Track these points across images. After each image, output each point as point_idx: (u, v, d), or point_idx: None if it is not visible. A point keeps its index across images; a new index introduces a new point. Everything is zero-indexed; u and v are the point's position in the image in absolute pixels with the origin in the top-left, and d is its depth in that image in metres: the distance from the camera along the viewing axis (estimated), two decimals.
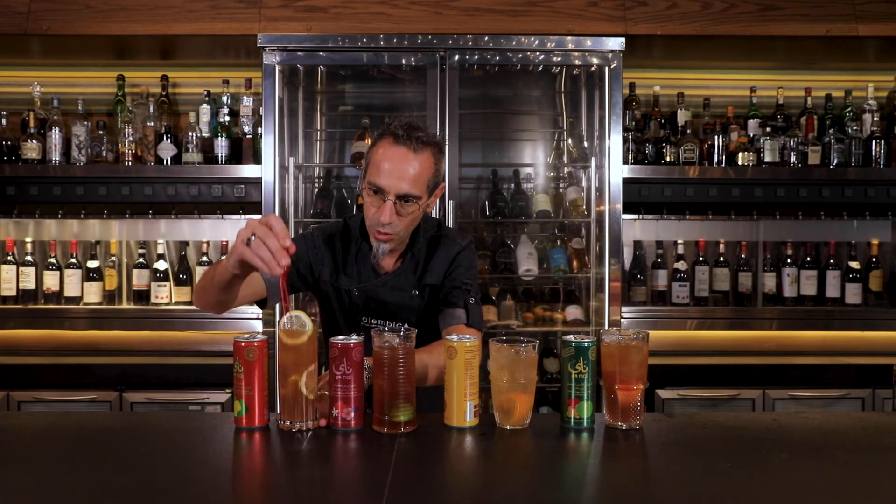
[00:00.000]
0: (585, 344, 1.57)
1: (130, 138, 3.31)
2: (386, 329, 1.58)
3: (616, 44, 3.04)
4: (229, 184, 3.37)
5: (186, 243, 3.53)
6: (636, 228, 3.59)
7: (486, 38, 3.02)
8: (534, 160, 3.58)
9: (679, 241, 3.54)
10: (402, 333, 1.56)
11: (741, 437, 1.54)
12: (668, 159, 3.37)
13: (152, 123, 3.36)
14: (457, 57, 3.00)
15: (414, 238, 1.89)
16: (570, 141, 3.49)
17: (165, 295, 3.43)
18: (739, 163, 3.37)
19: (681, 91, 3.55)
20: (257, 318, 3.33)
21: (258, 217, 1.52)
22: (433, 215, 2.97)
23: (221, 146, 3.35)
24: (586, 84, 3.39)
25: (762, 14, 3.23)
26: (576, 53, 3.05)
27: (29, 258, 3.45)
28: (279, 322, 1.56)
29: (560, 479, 1.31)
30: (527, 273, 3.19)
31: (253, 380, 1.55)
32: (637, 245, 3.57)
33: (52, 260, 3.46)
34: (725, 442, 1.51)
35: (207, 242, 3.47)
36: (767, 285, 3.53)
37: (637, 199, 3.38)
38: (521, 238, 3.32)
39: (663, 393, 3.09)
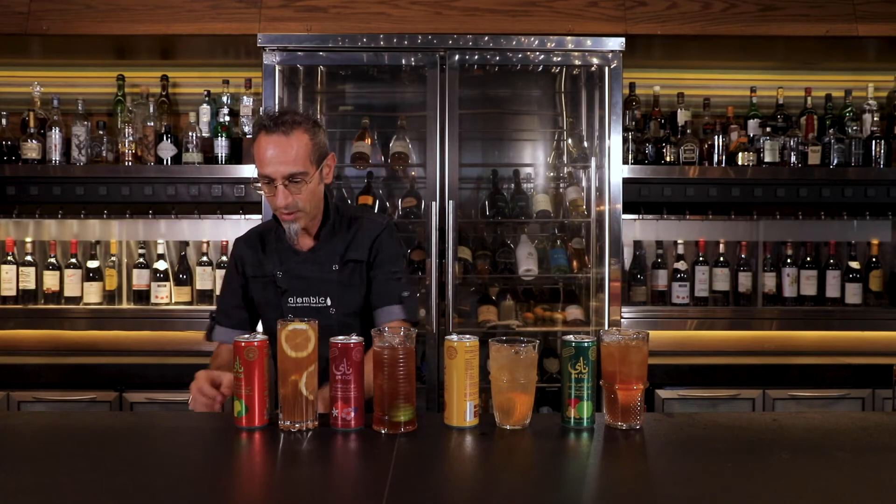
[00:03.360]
0: (585, 344, 1.57)
1: (130, 138, 3.31)
2: (352, 336, 1.58)
3: (616, 44, 3.03)
4: (229, 184, 3.37)
5: (186, 243, 3.53)
6: (636, 228, 3.59)
7: (486, 39, 3.02)
8: (534, 160, 3.58)
9: (679, 241, 3.53)
10: (402, 333, 1.56)
11: (741, 437, 1.54)
12: (668, 159, 3.37)
13: (152, 123, 3.36)
14: (457, 57, 3.00)
15: (326, 215, 2.02)
16: (570, 141, 3.49)
17: (165, 295, 3.43)
18: (739, 163, 3.37)
19: (681, 91, 3.55)
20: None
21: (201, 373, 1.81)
22: (433, 216, 2.98)
23: (221, 146, 3.35)
24: (586, 84, 3.39)
25: (762, 14, 3.23)
26: (576, 53, 3.05)
27: (29, 258, 3.45)
28: (280, 333, 1.56)
29: (560, 479, 1.31)
30: (527, 273, 3.19)
31: (253, 380, 1.55)
32: (637, 245, 3.57)
33: (52, 260, 3.46)
34: (725, 442, 1.51)
35: (207, 242, 3.47)
36: (767, 285, 3.53)
37: (637, 199, 3.38)
38: (521, 238, 3.32)
39: (663, 393, 3.09)
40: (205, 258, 3.45)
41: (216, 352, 2.14)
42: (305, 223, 1.97)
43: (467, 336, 1.61)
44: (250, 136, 3.37)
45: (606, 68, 3.06)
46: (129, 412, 2.97)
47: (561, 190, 3.43)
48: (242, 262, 2.08)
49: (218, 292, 3.40)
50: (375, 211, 3.14)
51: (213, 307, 3.38)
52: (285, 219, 1.95)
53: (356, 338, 1.58)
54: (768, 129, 3.45)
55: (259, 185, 1.92)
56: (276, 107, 2.98)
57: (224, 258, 3.45)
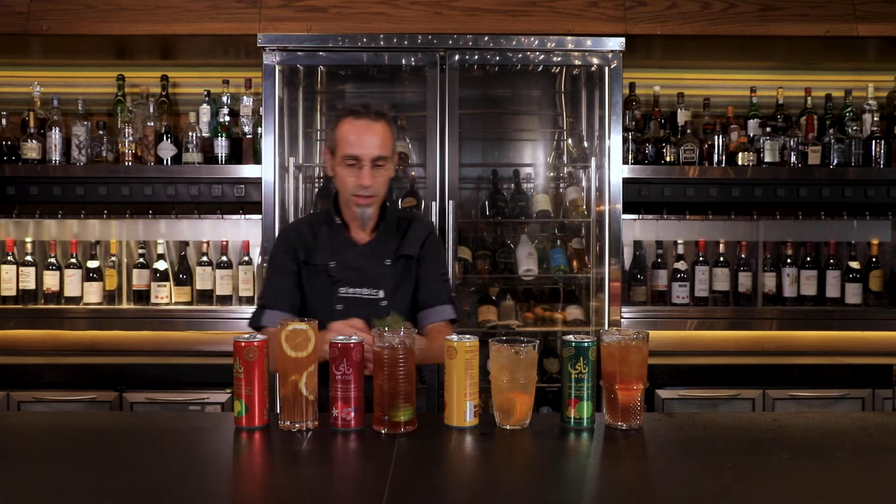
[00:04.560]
0: (585, 344, 1.57)
1: (130, 138, 3.31)
2: (382, 328, 1.58)
3: (616, 44, 3.03)
4: (229, 184, 3.37)
5: (186, 243, 3.53)
6: (636, 228, 3.59)
7: (486, 39, 3.02)
8: (534, 160, 3.58)
9: (679, 241, 3.53)
10: (401, 333, 1.56)
11: (741, 437, 1.54)
12: (668, 159, 3.36)
13: (152, 123, 3.36)
14: (457, 57, 3.00)
15: (383, 213, 2.09)
16: (570, 141, 3.49)
17: (165, 295, 3.43)
18: (739, 163, 3.36)
19: (681, 91, 3.55)
20: None
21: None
22: (433, 216, 2.98)
23: (221, 146, 3.35)
24: (586, 84, 3.39)
25: (762, 14, 3.23)
26: (576, 53, 3.05)
27: (29, 258, 3.45)
28: (280, 334, 1.56)
29: (560, 479, 1.31)
30: (527, 273, 3.19)
31: (253, 380, 1.55)
32: (637, 245, 3.57)
33: (52, 260, 3.46)
34: (725, 442, 1.51)
35: (207, 242, 3.47)
36: (767, 285, 3.53)
37: (637, 199, 3.38)
38: (521, 238, 3.32)
39: (663, 393, 3.09)
40: (205, 258, 3.45)
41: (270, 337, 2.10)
42: (375, 209, 2.04)
43: (467, 336, 1.61)
44: (250, 136, 3.38)
45: (606, 68, 3.06)
46: (129, 412, 2.97)
47: (561, 190, 3.43)
48: (295, 248, 2.08)
49: (218, 291, 3.44)
50: None
51: (213, 307, 3.42)
52: (361, 202, 2.00)
53: (356, 338, 1.58)
54: (768, 129, 3.45)
55: (338, 165, 2.00)
56: (277, 107, 2.99)
57: (224, 258, 3.45)
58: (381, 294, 2.04)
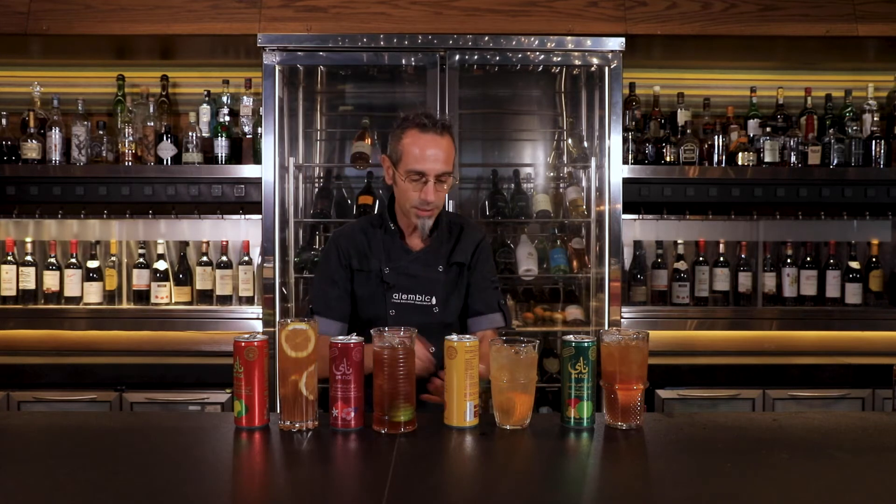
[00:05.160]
0: (585, 344, 1.57)
1: (130, 138, 3.31)
2: (385, 331, 1.58)
3: (616, 44, 3.03)
4: (229, 184, 3.37)
5: (186, 243, 3.53)
6: (636, 228, 3.59)
7: (486, 38, 3.02)
8: (534, 160, 3.58)
9: (679, 241, 3.53)
10: (401, 333, 1.56)
11: (741, 437, 1.54)
12: (668, 159, 3.36)
13: (152, 123, 3.36)
14: (457, 57, 3.00)
15: (437, 221, 2.09)
16: (570, 141, 3.49)
17: (165, 295, 3.43)
18: (739, 163, 3.36)
19: (681, 91, 3.55)
20: (257, 318, 3.34)
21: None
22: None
23: (221, 146, 3.35)
24: (586, 84, 3.39)
25: (762, 14, 3.23)
26: (576, 53, 3.05)
27: (29, 258, 3.45)
28: (280, 334, 1.56)
29: (560, 479, 1.31)
30: (527, 273, 3.19)
31: (253, 380, 1.55)
32: (637, 245, 3.57)
33: (52, 260, 3.46)
34: (725, 442, 1.52)
35: (207, 242, 3.47)
36: (767, 285, 3.53)
37: (637, 199, 3.38)
38: (521, 238, 3.32)
39: (663, 393, 3.09)
40: (205, 258, 3.45)
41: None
42: (432, 213, 2.04)
43: (467, 336, 1.61)
44: (250, 136, 3.38)
45: (606, 68, 3.06)
46: (129, 412, 2.97)
47: (561, 190, 3.43)
48: (348, 255, 2.09)
49: (218, 291, 3.44)
50: (375, 211, 3.14)
51: (213, 307, 3.42)
52: (423, 214, 2.00)
53: (356, 338, 1.58)
54: (768, 129, 3.45)
55: (401, 177, 1.98)
56: (277, 107, 2.99)
57: (224, 258, 3.45)
58: (434, 301, 2.06)
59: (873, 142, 3.41)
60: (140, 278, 3.45)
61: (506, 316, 2.13)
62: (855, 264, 3.51)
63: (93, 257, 3.48)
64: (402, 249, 2.08)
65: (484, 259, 2.14)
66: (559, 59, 3.07)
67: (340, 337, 1.58)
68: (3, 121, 3.39)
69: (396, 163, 2.00)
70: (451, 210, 2.98)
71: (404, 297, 2.06)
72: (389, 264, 2.06)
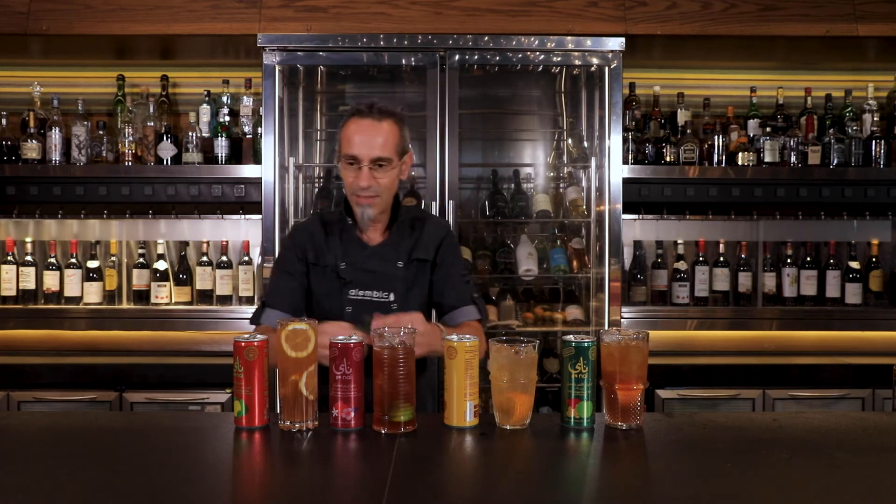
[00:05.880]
0: (585, 344, 1.57)
1: (130, 138, 3.31)
2: (386, 330, 1.58)
3: (616, 44, 3.03)
4: (229, 184, 3.37)
5: (186, 243, 3.53)
6: (636, 228, 3.59)
7: (486, 38, 3.02)
8: (534, 160, 3.58)
9: (679, 241, 3.53)
10: (401, 333, 1.56)
11: (741, 437, 1.54)
12: (668, 159, 3.36)
13: (152, 123, 3.36)
14: (457, 57, 3.00)
15: (395, 213, 2.06)
16: (570, 141, 3.49)
17: (165, 295, 3.43)
18: (739, 163, 3.36)
19: (681, 91, 3.55)
20: None
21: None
22: (436, 209, 2.97)
23: (221, 146, 3.35)
24: (586, 84, 3.39)
25: (762, 14, 3.23)
26: (576, 53, 3.05)
27: (29, 258, 3.45)
28: (280, 334, 1.56)
29: (560, 479, 1.31)
30: (527, 273, 3.19)
31: (253, 380, 1.55)
32: (637, 245, 3.57)
33: (52, 260, 3.46)
34: (725, 442, 1.52)
35: (207, 242, 3.47)
36: (767, 285, 3.53)
37: (637, 199, 3.38)
38: (521, 238, 3.32)
39: (663, 393, 3.09)
40: (205, 258, 3.45)
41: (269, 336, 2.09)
42: (379, 210, 2.00)
43: (467, 336, 1.61)
44: (250, 136, 3.38)
45: (606, 68, 3.06)
46: (129, 412, 2.97)
47: (561, 190, 3.43)
48: (304, 248, 2.05)
49: (218, 291, 3.44)
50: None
51: (213, 307, 3.42)
52: (362, 202, 1.97)
53: (356, 338, 1.58)
54: (768, 129, 3.45)
55: (340, 165, 1.99)
56: (277, 107, 2.99)
57: (224, 258, 3.45)
58: (392, 297, 2.01)
59: (873, 142, 3.41)
60: (140, 278, 3.45)
61: (480, 308, 2.07)
62: (855, 264, 3.51)
63: (93, 257, 3.48)
64: (359, 244, 2.04)
65: (451, 254, 2.09)
66: (559, 59, 3.07)
67: (341, 337, 1.58)
68: (3, 121, 3.39)
69: (339, 150, 2.01)
70: (450, 210, 2.99)
71: (361, 293, 2.01)
72: (346, 259, 2.02)
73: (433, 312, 2.14)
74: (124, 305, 3.50)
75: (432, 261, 2.06)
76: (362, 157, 1.93)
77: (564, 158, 3.49)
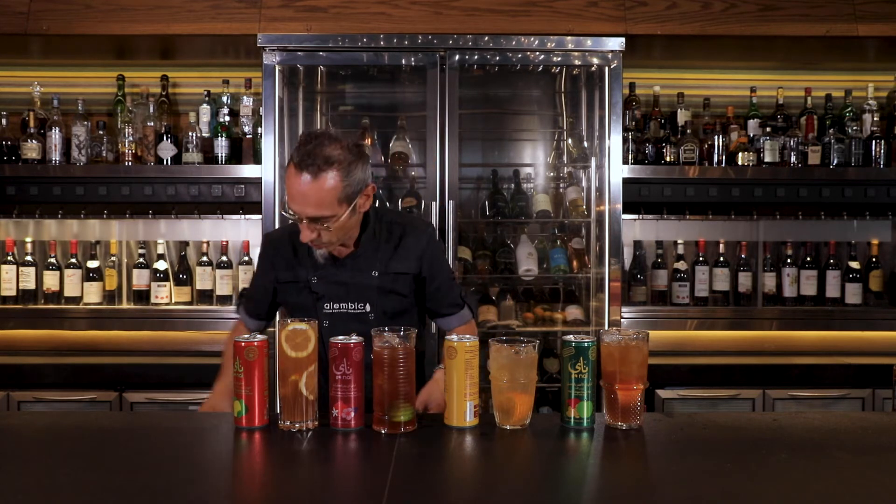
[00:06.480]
0: (585, 344, 1.57)
1: (130, 138, 3.31)
2: (386, 330, 1.58)
3: (616, 44, 3.03)
4: (229, 184, 3.37)
5: (186, 243, 3.53)
6: (636, 228, 3.59)
7: (486, 38, 3.02)
8: (534, 160, 3.58)
9: (679, 241, 3.53)
10: (401, 333, 1.57)
11: (741, 437, 1.54)
12: (668, 159, 3.37)
13: (152, 123, 3.36)
14: (457, 57, 3.00)
15: (365, 222, 1.96)
16: (570, 141, 3.49)
17: (165, 295, 3.43)
18: (739, 163, 3.36)
19: (681, 91, 3.55)
20: None
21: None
22: (433, 216, 2.97)
23: (221, 146, 3.35)
24: (586, 84, 3.39)
25: (762, 14, 3.23)
26: (576, 53, 3.05)
27: (29, 258, 3.45)
28: (280, 334, 1.56)
29: (560, 479, 1.31)
30: (527, 273, 3.19)
31: (253, 380, 1.56)
32: (637, 245, 3.57)
33: (52, 260, 3.46)
34: (725, 442, 1.52)
35: (207, 242, 3.47)
36: (767, 285, 3.53)
37: (637, 199, 3.38)
38: (521, 238, 3.32)
39: (663, 393, 3.09)
40: (205, 258, 3.45)
41: (235, 329, 2.17)
42: (335, 249, 1.93)
43: (467, 336, 1.61)
44: (250, 136, 3.38)
45: (606, 68, 3.06)
46: (129, 412, 2.97)
47: (561, 190, 3.43)
48: (273, 262, 2.04)
49: (218, 291, 3.44)
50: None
51: (213, 307, 3.43)
52: (314, 247, 1.91)
53: (356, 338, 1.58)
54: (768, 129, 3.45)
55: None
56: (277, 107, 2.98)
57: (224, 258, 3.45)
58: (368, 308, 1.97)
59: (873, 142, 3.41)
60: (140, 278, 3.45)
61: (471, 308, 2.11)
62: (855, 264, 3.51)
63: (93, 257, 3.48)
64: (329, 256, 1.96)
65: (437, 264, 2.04)
66: (559, 59, 3.07)
67: (341, 337, 1.58)
68: (3, 121, 3.39)
69: None
70: (450, 210, 2.98)
71: (336, 306, 1.97)
72: (317, 273, 1.96)
73: (424, 316, 2.17)
74: (124, 305, 3.50)
75: (417, 275, 2.02)
76: (300, 214, 1.81)
77: (564, 158, 3.49)
